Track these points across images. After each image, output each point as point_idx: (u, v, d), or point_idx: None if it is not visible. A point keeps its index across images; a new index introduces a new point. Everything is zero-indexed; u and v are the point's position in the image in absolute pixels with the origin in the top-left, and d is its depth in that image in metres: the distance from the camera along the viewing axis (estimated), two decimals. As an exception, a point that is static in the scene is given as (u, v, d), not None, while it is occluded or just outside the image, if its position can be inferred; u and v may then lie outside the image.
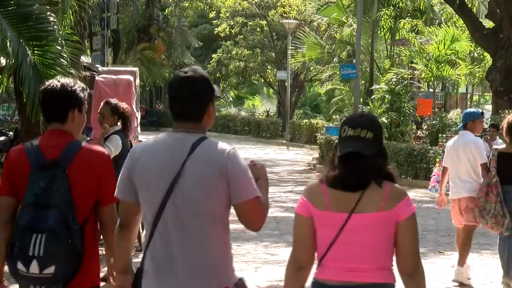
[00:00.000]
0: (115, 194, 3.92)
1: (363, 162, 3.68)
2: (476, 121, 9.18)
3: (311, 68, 37.07)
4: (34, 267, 4.03)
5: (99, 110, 9.01)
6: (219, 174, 3.66)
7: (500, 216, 8.29)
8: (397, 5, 29.66)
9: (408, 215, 3.72)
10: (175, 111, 3.78)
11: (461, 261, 8.94)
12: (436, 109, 26.36)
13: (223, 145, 3.74)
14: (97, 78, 14.44)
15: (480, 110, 9.84)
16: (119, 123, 8.95)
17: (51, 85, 4.32)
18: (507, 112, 20.36)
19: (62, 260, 4.06)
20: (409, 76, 27.14)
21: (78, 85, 4.37)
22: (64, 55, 10.36)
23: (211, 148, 3.71)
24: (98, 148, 4.50)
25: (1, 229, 4.21)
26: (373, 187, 3.70)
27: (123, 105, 9.03)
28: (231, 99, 56.59)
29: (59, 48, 10.28)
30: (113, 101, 9.01)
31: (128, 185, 3.80)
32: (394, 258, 3.76)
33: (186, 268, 3.69)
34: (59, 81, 4.35)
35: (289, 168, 24.40)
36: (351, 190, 3.69)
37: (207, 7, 43.29)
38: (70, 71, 10.50)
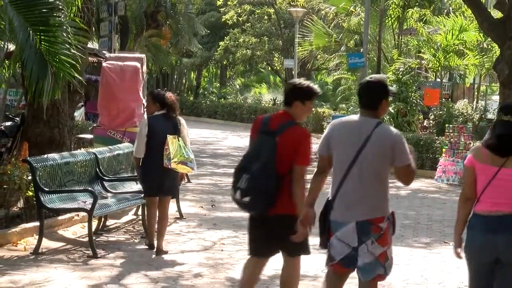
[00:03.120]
0: (317, 151, 5.99)
1: (511, 140, 5.53)
2: None
3: (318, 56, 36.96)
4: (238, 195, 6.29)
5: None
6: (389, 146, 5.78)
7: None
8: (406, -6, 29.53)
9: None
10: (361, 102, 5.98)
11: None
12: (443, 99, 26.32)
13: (393, 128, 6.00)
14: (104, 64, 14.41)
15: None
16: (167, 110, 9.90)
17: (297, 81, 6.68)
18: (514, 103, 20.31)
19: (256, 194, 6.17)
20: (417, 66, 27.08)
21: (312, 85, 6.54)
22: (69, 40, 10.31)
23: (386, 130, 5.89)
24: (303, 128, 6.54)
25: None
26: None
27: (167, 93, 10.00)
28: (237, 87, 56.50)
29: (64, 34, 10.22)
30: (156, 91, 10.25)
31: (327, 146, 5.93)
32: None
33: (362, 203, 5.77)
34: (300, 80, 6.68)
35: (295, 156, 24.36)
36: (502, 156, 5.53)
37: (215, -5, 43.24)
38: (75, 57, 10.46)
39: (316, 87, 6.59)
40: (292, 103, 6.44)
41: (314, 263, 9.31)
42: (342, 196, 5.83)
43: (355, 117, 6.03)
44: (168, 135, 9.49)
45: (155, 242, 9.71)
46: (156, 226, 9.78)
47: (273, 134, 6.28)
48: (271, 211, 6.23)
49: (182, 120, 9.95)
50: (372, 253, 5.77)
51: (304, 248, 6.47)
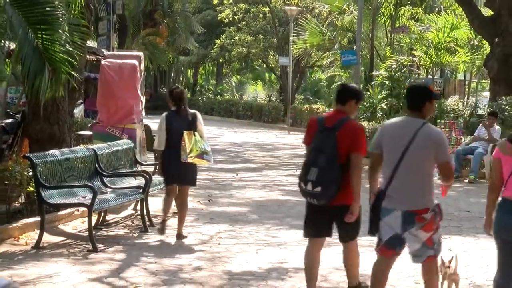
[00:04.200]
0: (369, 148, 6.73)
1: None
2: None
3: (313, 54, 36.98)
4: (309, 186, 6.87)
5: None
6: (432, 145, 6.35)
7: None
8: (398, -8, 29.56)
9: None
10: (407, 105, 6.59)
11: None
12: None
13: (437, 129, 6.71)
14: (102, 62, 14.38)
15: None
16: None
17: (346, 84, 7.68)
18: (504, 98, 20.34)
19: (326, 184, 6.80)
20: (409, 63, 27.06)
21: (359, 88, 7.58)
22: (67, 38, 10.28)
23: (430, 129, 6.44)
24: (356, 122, 7.38)
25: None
26: None
27: (175, 90, 10.42)
28: (233, 84, 56.45)
29: (61, 32, 10.20)
30: (171, 88, 10.65)
31: (378, 144, 6.58)
32: None
33: (408, 195, 6.40)
34: (351, 84, 7.79)
35: (290, 152, 24.34)
36: None
37: (211, -7, 43.16)
38: (73, 54, 10.44)
39: None
40: (346, 101, 7.18)
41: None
42: (392, 188, 6.45)
43: (403, 118, 6.67)
44: (184, 131, 9.94)
45: (173, 229, 10.31)
46: (170, 213, 10.61)
47: (333, 130, 6.96)
48: (334, 202, 6.92)
49: (198, 114, 10.29)
50: (419, 238, 6.42)
51: (357, 232, 7.29)
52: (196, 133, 10.03)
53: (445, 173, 6.52)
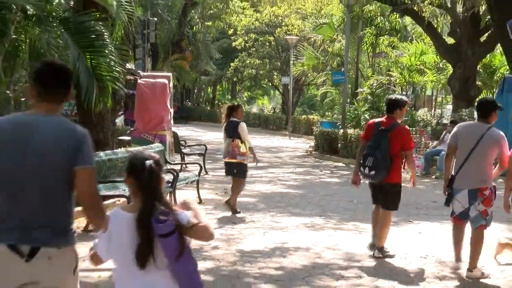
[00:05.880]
0: (448, 141, 7.39)
1: None
2: None
3: (309, 74, 36.92)
4: (366, 170, 7.84)
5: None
6: (495, 142, 7.06)
7: None
8: (378, 25, 29.52)
9: None
10: (477, 113, 7.27)
11: None
12: (408, 108, 26.26)
13: (498, 131, 7.12)
14: (139, 81, 14.44)
15: None
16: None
17: (393, 96, 8.30)
18: (464, 110, 20.28)
19: (378, 169, 7.72)
20: (387, 82, 27.01)
21: (402, 98, 8.19)
22: (114, 59, 10.33)
23: (495, 132, 7.08)
24: (403, 126, 8.02)
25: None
26: None
27: (226, 105, 10.74)
28: (245, 98, 56.44)
29: (107, 51, 10.24)
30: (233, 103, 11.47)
31: (455, 139, 7.25)
32: None
33: (474, 177, 7.07)
34: (395, 96, 8.33)
35: (291, 154, 24.31)
36: None
37: (227, 26, 43.17)
38: (118, 70, 10.46)
39: (401, 98, 8.27)
40: (394, 111, 7.96)
41: (307, 238, 9.29)
42: (463, 172, 7.12)
43: (474, 122, 7.37)
44: (228, 138, 10.61)
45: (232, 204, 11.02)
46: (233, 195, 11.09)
47: (386, 131, 7.80)
48: (385, 180, 7.83)
49: (241, 124, 10.72)
50: (477, 210, 7.09)
51: (395, 206, 8.08)
52: (236, 140, 10.55)
53: (500, 162, 7.13)
